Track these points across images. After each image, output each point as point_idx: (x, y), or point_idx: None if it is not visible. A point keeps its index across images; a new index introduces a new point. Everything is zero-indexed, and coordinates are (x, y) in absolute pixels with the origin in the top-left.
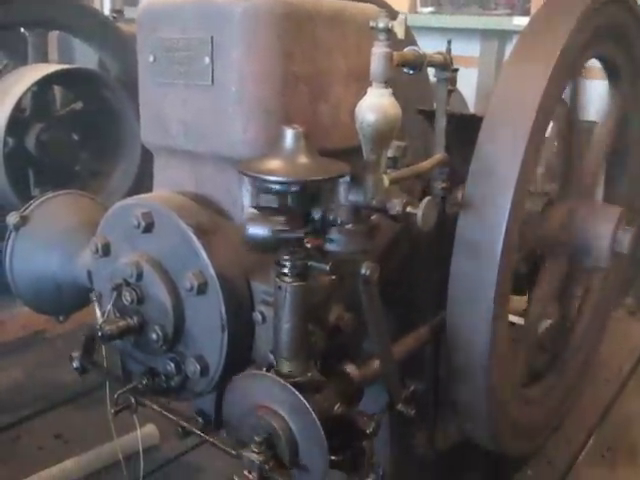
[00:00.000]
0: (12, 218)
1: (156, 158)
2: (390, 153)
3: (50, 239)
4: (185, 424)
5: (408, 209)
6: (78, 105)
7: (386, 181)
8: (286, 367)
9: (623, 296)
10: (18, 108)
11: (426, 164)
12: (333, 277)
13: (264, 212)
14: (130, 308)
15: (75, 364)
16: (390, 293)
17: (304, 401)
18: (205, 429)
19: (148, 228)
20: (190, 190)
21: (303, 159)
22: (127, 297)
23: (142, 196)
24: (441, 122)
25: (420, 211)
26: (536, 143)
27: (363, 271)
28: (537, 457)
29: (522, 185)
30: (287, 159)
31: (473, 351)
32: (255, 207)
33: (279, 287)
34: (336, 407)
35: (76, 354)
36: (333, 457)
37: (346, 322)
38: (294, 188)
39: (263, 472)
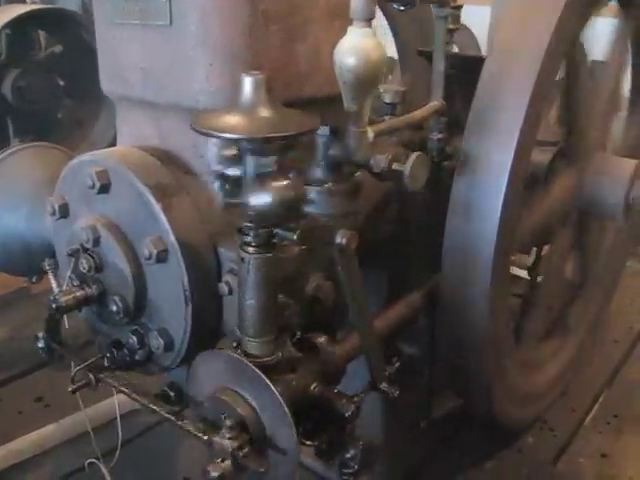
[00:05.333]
0: None
1: (117, 109)
2: (388, 99)
3: (16, 196)
4: (147, 403)
5: (394, 166)
6: (58, 48)
7: (370, 134)
8: (252, 346)
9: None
10: None
11: (419, 113)
12: (303, 247)
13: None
14: (88, 276)
15: (40, 344)
16: (381, 257)
17: (269, 384)
18: (176, 405)
19: (104, 189)
20: (153, 145)
21: (263, 112)
22: (84, 264)
23: (98, 152)
24: (439, 65)
25: (407, 168)
26: (545, 86)
27: (338, 240)
28: (539, 424)
29: (527, 135)
30: (244, 112)
31: (469, 318)
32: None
33: (242, 259)
34: (312, 387)
35: (41, 333)
36: (308, 442)
37: (326, 293)
38: (251, 146)
39: (237, 459)
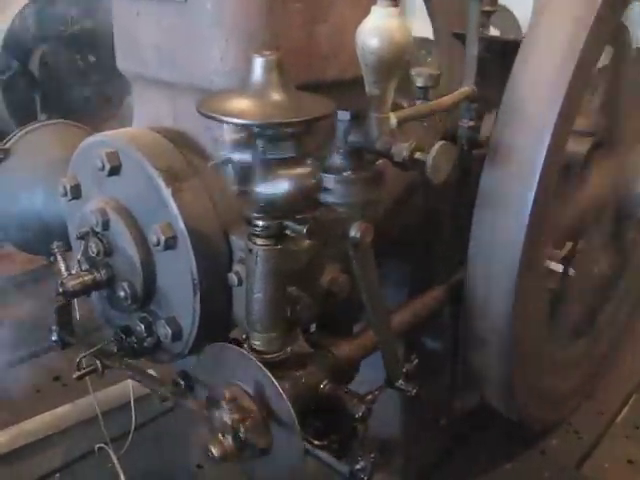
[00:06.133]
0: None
1: (133, 88)
2: (420, 82)
3: (34, 174)
4: (156, 388)
5: (417, 155)
6: (88, 24)
7: (393, 120)
8: (259, 341)
9: None
10: (19, 27)
11: (448, 99)
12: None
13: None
14: (97, 261)
15: (53, 337)
16: (404, 249)
17: (275, 382)
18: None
19: (114, 171)
20: (168, 125)
21: (275, 95)
22: (93, 248)
23: (110, 133)
24: (472, 49)
25: (430, 158)
26: (583, 73)
27: (353, 233)
28: (564, 426)
29: (563, 124)
30: (254, 95)
31: (492, 316)
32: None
33: (250, 250)
34: (322, 385)
35: (54, 326)
36: (317, 442)
37: (341, 286)
38: (258, 132)
39: (239, 433)
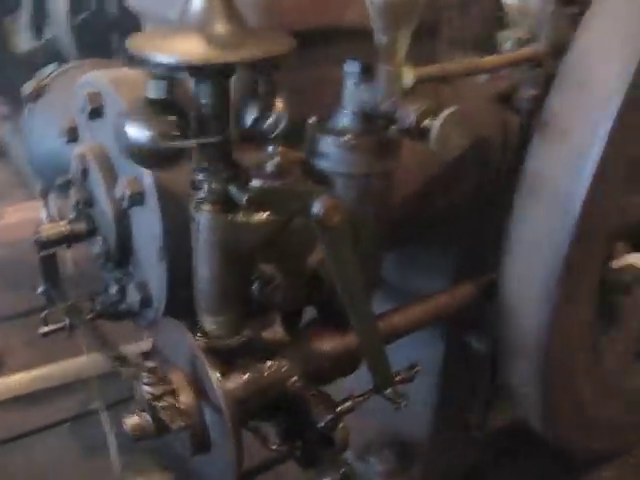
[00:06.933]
0: (27, 88)
1: (143, 26)
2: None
3: (62, 113)
4: (105, 352)
5: (426, 122)
6: None
7: (408, 77)
8: (208, 324)
9: None
10: None
11: (498, 59)
12: (268, 214)
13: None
14: (78, 211)
15: (39, 289)
16: (450, 232)
17: (209, 372)
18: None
19: (94, 113)
20: None
21: (218, 29)
22: (72, 197)
23: (101, 72)
24: (548, 5)
25: (435, 127)
26: None
27: (315, 210)
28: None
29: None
30: (195, 29)
31: (525, 322)
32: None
33: (193, 219)
34: (291, 381)
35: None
36: (275, 446)
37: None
38: (200, 73)
39: (156, 412)
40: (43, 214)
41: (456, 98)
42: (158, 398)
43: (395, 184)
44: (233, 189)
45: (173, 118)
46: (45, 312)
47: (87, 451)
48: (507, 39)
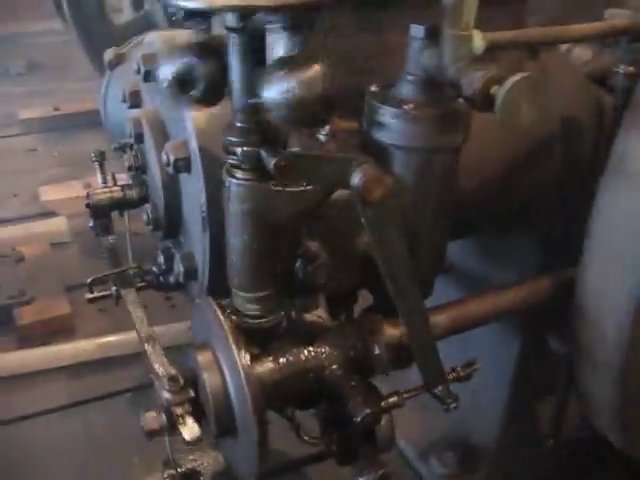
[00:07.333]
0: (108, 54)
1: None
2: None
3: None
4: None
5: (493, 90)
6: None
7: (478, 41)
8: (239, 301)
9: None
10: None
11: (589, 27)
12: (304, 183)
13: None
14: (133, 177)
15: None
16: (534, 219)
17: (235, 353)
18: None
19: (148, 75)
20: None
21: None
22: (126, 163)
23: (157, 33)
24: None
25: (502, 94)
26: None
27: (355, 181)
28: None
29: None
30: None
31: (604, 325)
32: None
33: (224, 183)
34: (330, 369)
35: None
36: (307, 437)
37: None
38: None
39: (171, 418)
40: (99, 178)
41: (543, 74)
42: (178, 404)
43: (469, 166)
44: (264, 153)
45: None
46: (92, 278)
47: None
48: (610, 18)
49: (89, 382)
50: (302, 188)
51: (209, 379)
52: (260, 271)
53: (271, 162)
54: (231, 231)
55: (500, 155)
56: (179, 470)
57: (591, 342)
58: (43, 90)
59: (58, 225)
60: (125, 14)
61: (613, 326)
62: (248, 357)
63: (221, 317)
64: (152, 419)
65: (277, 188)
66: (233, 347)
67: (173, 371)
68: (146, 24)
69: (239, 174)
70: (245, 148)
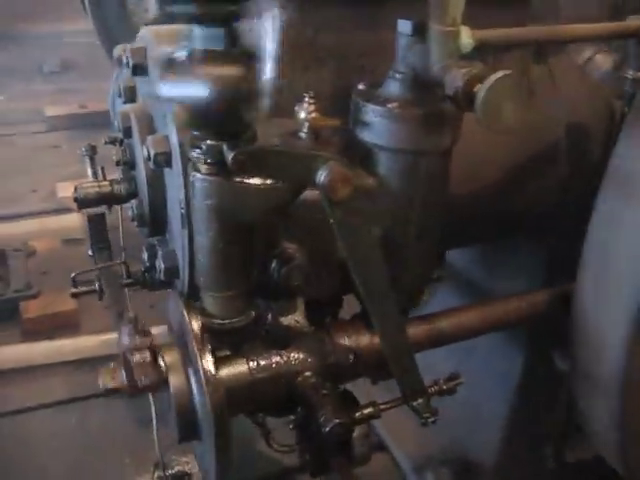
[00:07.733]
0: (117, 51)
1: None
2: None
3: None
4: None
5: (476, 88)
6: None
7: (466, 39)
8: (208, 301)
9: None
10: None
11: (594, 27)
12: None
13: None
14: (122, 172)
15: (89, 252)
16: (541, 229)
17: (197, 354)
18: None
19: (137, 70)
20: None
21: None
22: (114, 157)
23: (148, 28)
24: None
25: (482, 92)
26: None
27: (320, 178)
28: None
29: None
30: None
31: (600, 343)
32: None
33: (191, 181)
34: (303, 375)
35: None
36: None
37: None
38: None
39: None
40: (89, 172)
41: (549, 78)
42: (136, 350)
43: (465, 170)
44: (225, 147)
45: None
46: (75, 273)
47: (136, 423)
48: None
49: (89, 378)
50: (269, 185)
51: (173, 380)
52: (227, 270)
53: (229, 155)
54: (197, 228)
55: (500, 160)
56: (168, 472)
57: (588, 358)
58: (73, 88)
59: (72, 221)
60: (150, 10)
61: (611, 342)
62: (211, 359)
63: (187, 317)
64: (108, 372)
65: (243, 184)
66: (195, 348)
67: (131, 313)
68: (172, 21)
69: (204, 169)
70: (209, 142)
